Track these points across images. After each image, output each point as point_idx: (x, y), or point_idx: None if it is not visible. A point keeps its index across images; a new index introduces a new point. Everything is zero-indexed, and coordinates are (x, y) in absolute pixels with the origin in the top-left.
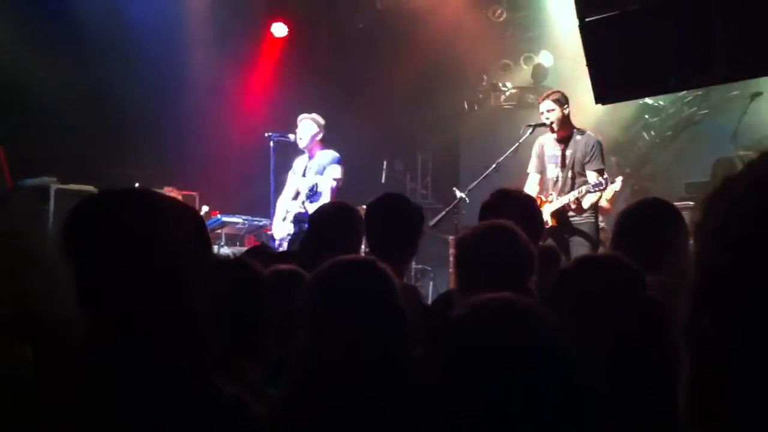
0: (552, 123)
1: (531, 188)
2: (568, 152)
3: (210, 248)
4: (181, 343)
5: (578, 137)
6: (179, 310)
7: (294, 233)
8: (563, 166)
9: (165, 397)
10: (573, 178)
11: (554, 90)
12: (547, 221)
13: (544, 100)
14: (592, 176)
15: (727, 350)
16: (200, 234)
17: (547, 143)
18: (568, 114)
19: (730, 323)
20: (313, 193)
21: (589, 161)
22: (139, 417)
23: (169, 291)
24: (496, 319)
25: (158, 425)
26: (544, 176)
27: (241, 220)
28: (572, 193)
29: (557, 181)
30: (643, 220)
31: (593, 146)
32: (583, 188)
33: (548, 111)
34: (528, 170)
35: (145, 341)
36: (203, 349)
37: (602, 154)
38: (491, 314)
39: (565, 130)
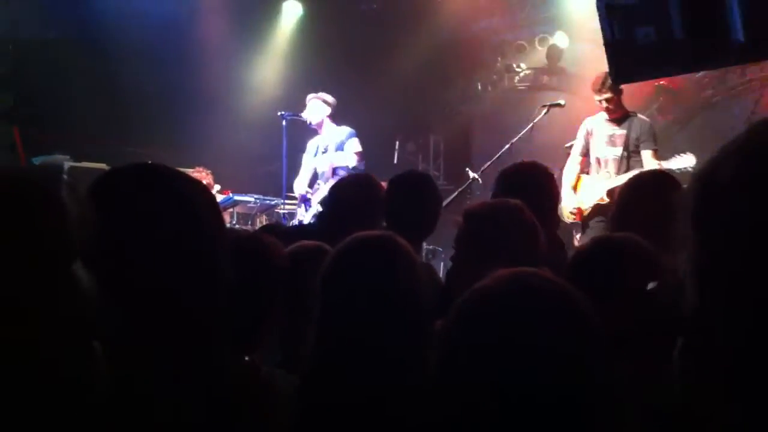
0: (610, 108)
1: (571, 168)
2: (626, 132)
3: (224, 225)
4: (216, 323)
5: (633, 118)
6: (212, 289)
7: None
8: (623, 146)
9: (206, 377)
10: (629, 158)
11: (604, 75)
12: (602, 197)
13: (600, 89)
14: (647, 155)
15: (736, 331)
16: (218, 211)
17: (598, 125)
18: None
19: (740, 302)
20: (340, 169)
21: (644, 140)
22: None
23: (203, 271)
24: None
25: (201, 405)
26: (589, 157)
27: (252, 199)
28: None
29: (616, 159)
30: (647, 194)
31: (648, 127)
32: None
33: (607, 101)
34: (572, 152)
35: (183, 326)
36: (232, 328)
37: (655, 137)
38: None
39: (620, 112)
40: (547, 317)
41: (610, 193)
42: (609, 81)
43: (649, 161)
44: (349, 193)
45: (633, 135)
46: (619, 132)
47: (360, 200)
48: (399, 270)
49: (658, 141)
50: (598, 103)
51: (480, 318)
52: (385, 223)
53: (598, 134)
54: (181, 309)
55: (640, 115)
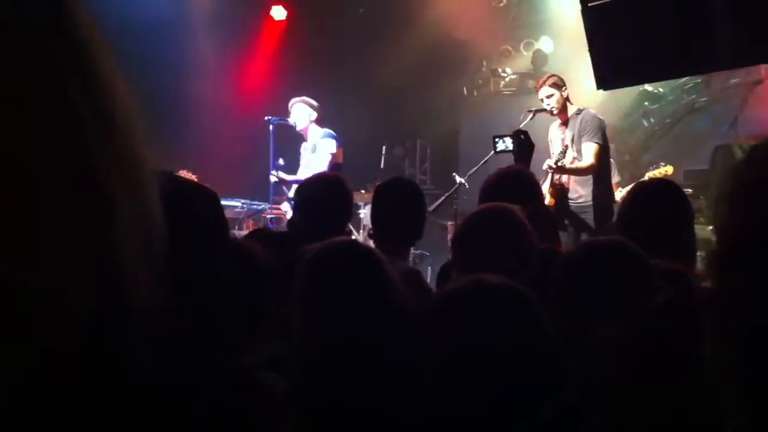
0: (552, 108)
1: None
2: (568, 133)
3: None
4: (217, 325)
5: (577, 116)
6: (216, 291)
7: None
8: (563, 148)
9: (207, 378)
10: (574, 159)
11: (550, 74)
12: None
13: (541, 86)
14: (587, 148)
15: (755, 312)
16: (222, 213)
17: (554, 131)
18: (567, 96)
19: (756, 283)
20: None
21: (584, 134)
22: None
23: (212, 273)
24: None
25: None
26: None
27: (239, 204)
28: (550, 160)
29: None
30: (652, 200)
31: (589, 120)
32: (557, 155)
33: (547, 97)
34: None
35: (192, 330)
36: (229, 331)
37: (601, 130)
38: (461, 297)
39: (566, 113)
40: (495, 318)
41: (551, 193)
42: (554, 79)
43: (587, 156)
44: (312, 192)
45: (576, 134)
46: (566, 135)
47: (322, 198)
48: (374, 275)
49: (605, 135)
50: (540, 101)
51: (437, 321)
52: (371, 230)
53: (554, 141)
54: (185, 310)
55: (588, 109)
